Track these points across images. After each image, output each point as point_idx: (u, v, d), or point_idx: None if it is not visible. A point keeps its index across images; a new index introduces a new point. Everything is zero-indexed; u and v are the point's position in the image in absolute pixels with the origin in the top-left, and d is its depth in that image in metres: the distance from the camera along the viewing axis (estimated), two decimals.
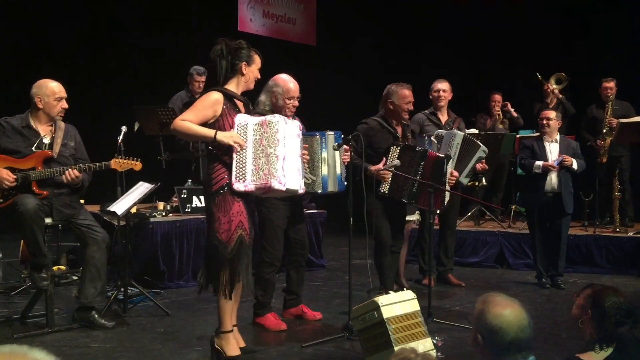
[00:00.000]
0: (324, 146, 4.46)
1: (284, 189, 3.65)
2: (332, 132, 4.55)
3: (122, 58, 9.01)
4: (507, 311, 2.02)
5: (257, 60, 3.87)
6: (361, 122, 5.05)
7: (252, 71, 3.84)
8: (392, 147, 4.88)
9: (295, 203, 4.63)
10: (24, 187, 4.27)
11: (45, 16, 8.65)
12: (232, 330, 3.76)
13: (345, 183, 4.55)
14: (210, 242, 3.75)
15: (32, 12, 8.57)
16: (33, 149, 4.34)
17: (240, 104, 3.82)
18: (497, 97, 8.20)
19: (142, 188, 4.94)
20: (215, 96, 3.71)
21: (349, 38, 10.56)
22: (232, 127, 3.69)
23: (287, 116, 4.56)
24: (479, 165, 5.84)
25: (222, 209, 3.66)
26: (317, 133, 4.51)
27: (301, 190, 3.84)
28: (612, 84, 7.47)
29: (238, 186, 3.63)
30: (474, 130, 7.15)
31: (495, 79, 9.31)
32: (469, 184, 6.98)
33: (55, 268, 5.40)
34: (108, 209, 4.97)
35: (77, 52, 8.93)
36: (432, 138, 5.49)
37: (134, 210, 5.30)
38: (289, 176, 3.68)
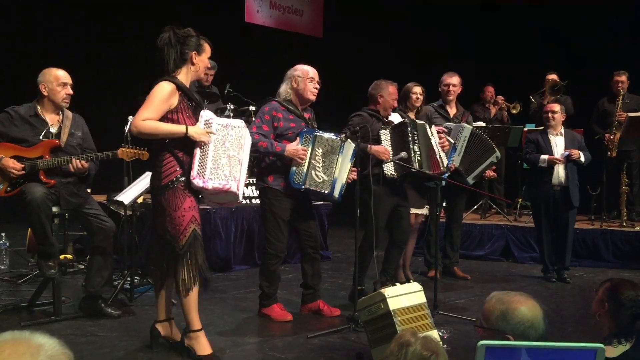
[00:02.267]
0: (341, 151, 4.47)
1: (239, 193, 3.61)
2: (332, 134, 4.56)
3: (129, 48, 9.00)
4: (529, 306, 2.00)
5: (207, 49, 3.70)
6: (354, 115, 5.06)
7: (202, 60, 3.68)
8: (381, 132, 4.91)
9: (302, 197, 4.62)
10: (31, 176, 4.28)
11: (51, 4, 8.66)
12: (201, 329, 3.65)
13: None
14: (159, 238, 3.62)
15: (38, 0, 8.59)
16: (41, 137, 4.35)
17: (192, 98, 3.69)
18: (491, 88, 8.20)
19: (148, 178, 4.92)
20: (168, 87, 3.53)
21: (356, 30, 10.52)
22: (190, 121, 3.57)
23: (310, 100, 4.61)
24: (488, 172, 5.87)
25: (172, 203, 3.54)
26: (338, 136, 4.54)
27: (239, 201, 3.84)
28: (623, 78, 7.41)
29: (197, 182, 3.50)
30: (480, 124, 7.13)
31: (491, 71, 9.29)
32: None
33: (62, 257, 5.42)
34: (115, 198, 4.98)
35: (84, 42, 8.93)
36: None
37: (140, 200, 5.30)
38: (242, 182, 3.67)
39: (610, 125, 7.38)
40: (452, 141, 5.52)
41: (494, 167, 5.96)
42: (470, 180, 5.74)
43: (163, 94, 3.51)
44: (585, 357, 1.57)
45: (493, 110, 8.13)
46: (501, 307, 2.03)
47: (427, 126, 5.09)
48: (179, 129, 3.52)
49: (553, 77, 7.87)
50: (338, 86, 9.75)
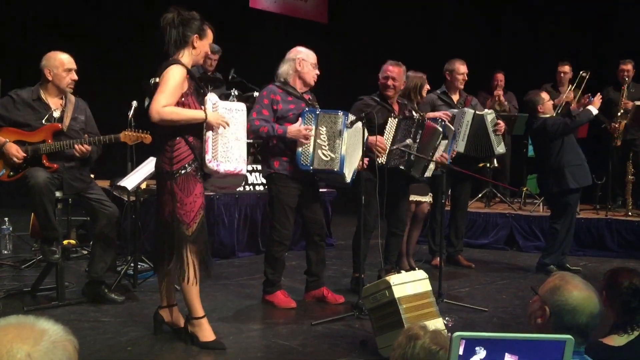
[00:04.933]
0: (345, 125, 4.40)
1: (244, 175, 3.69)
2: (353, 117, 4.48)
3: (133, 32, 8.95)
4: (585, 294, 1.99)
5: (209, 35, 3.64)
6: (358, 99, 5.00)
7: (203, 45, 3.62)
8: (389, 120, 4.84)
9: (309, 182, 4.59)
10: (34, 161, 4.26)
11: None
12: (204, 316, 3.63)
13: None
14: (165, 223, 3.57)
15: None
16: (43, 122, 4.32)
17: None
18: (500, 76, 8.10)
19: (152, 164, 4.90)
20: (183, 72, 3.49)
21: (360, 16, 10.45)
22: (197, 105, 3.55)
23: (310, 85, 4.57)
24: (498, 127, 5.85)
25: (185, 189, 3.50)
26: (340, 111, 4.46)
27: (240, 185, 3.88)
28: (629, 66, 7.35)
29: (213, 165, 3.51)
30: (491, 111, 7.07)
31: (500, 58, 9.22)
32: (481, 165, 6.95)
33: (65, 242, 5.42)
34: (118, 184, 4.96)
35: (88, 26, 8.88)
36: (446, 122, 5.38)
37: (143, 185, 5.29)
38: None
39: (615, 114, 7.32)
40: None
41: (500, 122, 5.93)
42: (500, 149, 5.93)
43: (178, 78, 3.48)
44: (554, 347, 1.61)
45: (488, 103, 8.00)
46: (558, 282, 2.04)
47: (440, 135, 4.99)
48: (198, 114, 3.50)
49: (565, 69, 7.76)
50: (344, 71, 9.73)
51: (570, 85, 7.59)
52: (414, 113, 5.04)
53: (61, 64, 4.34)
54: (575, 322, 1.96)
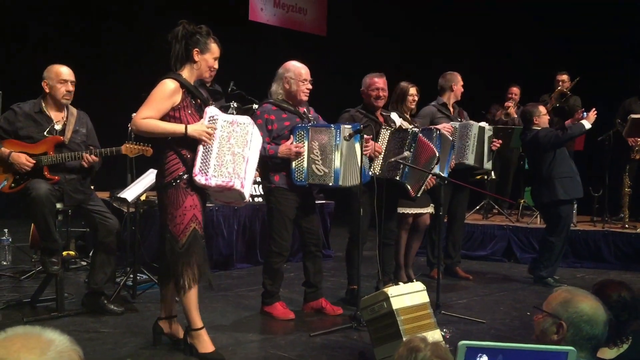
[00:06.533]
0: (338, 139, 4.41)
1: (243, 191, 3.57)
2: (348, 125, 4.49)
3: (133, 44, 9.01)
4: (595, 304, 2.01)
5: (213, 49, 3.63)
6: (344, 111, 5.02)
7: (205, 59, 3.62)
8: (382, 131, 4.87)
9: (306, 193, 4.62)
10: (35, 172, 4.29)
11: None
12: (203, 327, 3.64)
13: (371, 173, 4.62)
14: (162, 236, 3.63)
15: None
16: (45, 134, 4.36)
17: (197, 95, 3.66)
18: (515, 89, 8.14)
19: (152, 175, 4.93)
20: (171, 85, 3.51)
21: (360, 28, 10.52)
22: (193, 119, 3.57)
23: (303, 101, 4.57)
24: (493, 145, 5.89)
25: (174, 202, 3.52)
26: (332, 125, 4.49)
27: (246, 201, 3.78)
28: None
29: (200, 178, 3.47)
30: (484, 124, 7.13)
31: (511, 71, 9.23)
32: (479, 177, 6.98)
33: (64, 253, 5.43)
34: (118, 195, 4.99)
35: (89, 38, 8.94)
36: (442, 131, 5.42)
37: (143, 197, 5.31)
38: (248, 181, 3.61)
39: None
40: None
41: (494, 139, 5.99)
42: (488, 166, 5.91)
43: (165, 92, 3.51)
44: (557, 359, 1.62)
45: (498, 113, 8.05)
46: (566, 296, 2.05)
47: (435, 159, 5.00)
48: (177, 128, 3.51)
49: (563, 78, 7.84)
50: (340, 83, 9.77)
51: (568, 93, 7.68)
52: (408, 125, 5.08)
53: (56, 75, 4.38)
54: (593, 333, 1.97)
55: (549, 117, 6.15)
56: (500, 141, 6.08)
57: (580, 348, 1.82)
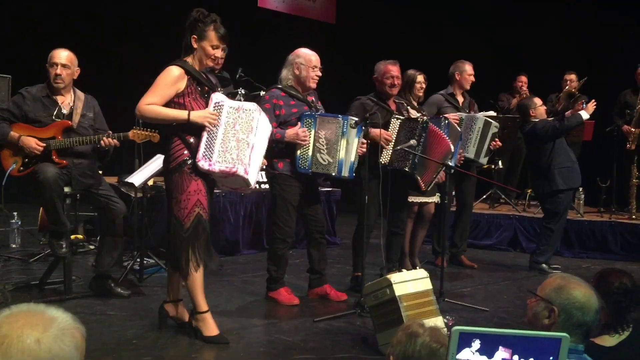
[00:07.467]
0: (345, 130, 4.43)
1: (247, 177, 3.57)
2: (355, 118, 4.50)
3: (142, 30, 9.03)
4: (588, 292, 2.04)
5: (210, 37, 3.60)
6: (355, 99, 5.01)
7: (202, 47, 3.60)
8: (392, 120, 4.86)
9: (309, 181, 4.64)
10: (44, 156, 4.33)
11: None
12: (208, 311, 3.68)
13: (354, 174, 4.59)
14: (169, 220, 3.68)
15: None
16: (53, 118, 4.39)
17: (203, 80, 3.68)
18: (523, 78, 8.11)
19: (159, 161, 4.97)
20: (176, 72, 3.55)
21: (369, 16, 10.47)
22: (198, 105, 3.60)
23: (312, 87, 4.58)
24: (493, 143, 5.88)
25: (179, 186, 3.56)
26: (340, 116, 4.50)
27: (251, 187, 3.78)
28: None
29: (203, 164, 3.51)
30: (492, 113, 7.11)
31: (518, 60, 9.18)
32: (486, 167, 6.97)
33: (72, 237, 5.48)
34: (125, 180, 5.03)
35: (98, 24, 8.96)
36: (450, 121, 5.41)
37: (151, 182, 5.35)
38: (253, 168, 3.62)
39: (631, 117, 7.26)
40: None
41: (497, 139, 5.97)
42: (483, 160, 5.86)
43: (169, 78, 3.55)
44: (550, 345, 1.65)
45: (513, 102, 8.02)
46: (560, 282, 2.08)
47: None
48: (180, 114, 3.54)
49: (571, 77, 7.78)
50: (349, 70, 9.76)
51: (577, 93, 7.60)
52: (416, 113, 5.08)
53: (50, 58, 4.40)
54: (584, 320, 2.00)
55: (545, 107, 6.13)
56: (500, 143, 6.08)
57: (570, 334, 1.84)
